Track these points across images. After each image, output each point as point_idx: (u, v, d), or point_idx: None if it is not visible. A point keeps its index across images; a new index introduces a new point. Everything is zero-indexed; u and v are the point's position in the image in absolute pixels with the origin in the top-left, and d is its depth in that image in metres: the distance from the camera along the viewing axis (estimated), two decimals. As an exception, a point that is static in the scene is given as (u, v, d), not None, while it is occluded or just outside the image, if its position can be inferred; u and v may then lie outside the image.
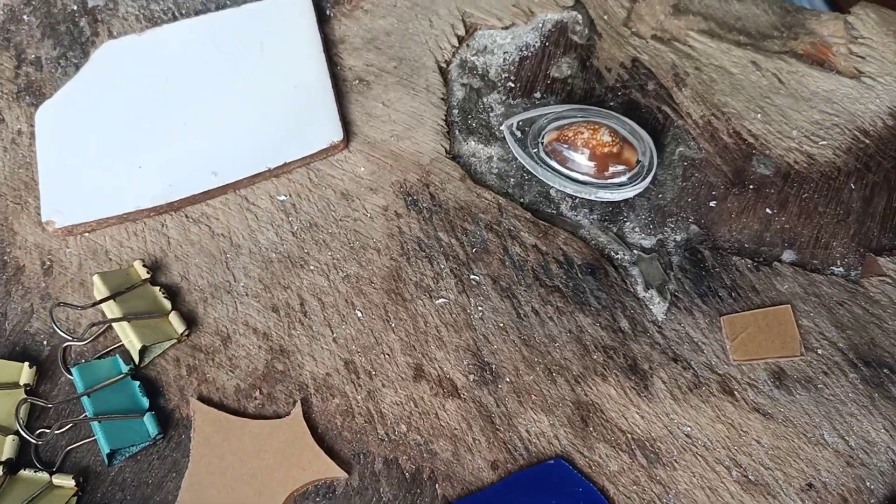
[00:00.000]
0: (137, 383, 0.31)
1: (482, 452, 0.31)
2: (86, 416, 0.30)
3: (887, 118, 0.37)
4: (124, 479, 0.30)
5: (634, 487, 0.30)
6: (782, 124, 0.37)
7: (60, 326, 0.32)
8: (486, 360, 0.32)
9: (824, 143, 0.37)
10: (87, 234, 0.34)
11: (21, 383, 0.31)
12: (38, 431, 0.31)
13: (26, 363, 0.31)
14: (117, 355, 0.32)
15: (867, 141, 0.37)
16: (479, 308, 0.33)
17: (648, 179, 0.35)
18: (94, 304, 0.32)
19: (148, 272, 0.33)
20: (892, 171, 0.36)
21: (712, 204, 0.36)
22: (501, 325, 0.33)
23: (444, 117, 0.37)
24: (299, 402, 0.31)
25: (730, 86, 0.38)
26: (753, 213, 0.35)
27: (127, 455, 0.30)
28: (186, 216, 0.35)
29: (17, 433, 0.30)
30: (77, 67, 0.38)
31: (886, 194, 0.36)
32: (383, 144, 0.36)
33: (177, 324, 0.32)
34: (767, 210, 0.35)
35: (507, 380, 0.32)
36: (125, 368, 0.31)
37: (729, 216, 0.35)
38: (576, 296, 0.33)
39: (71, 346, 0.32)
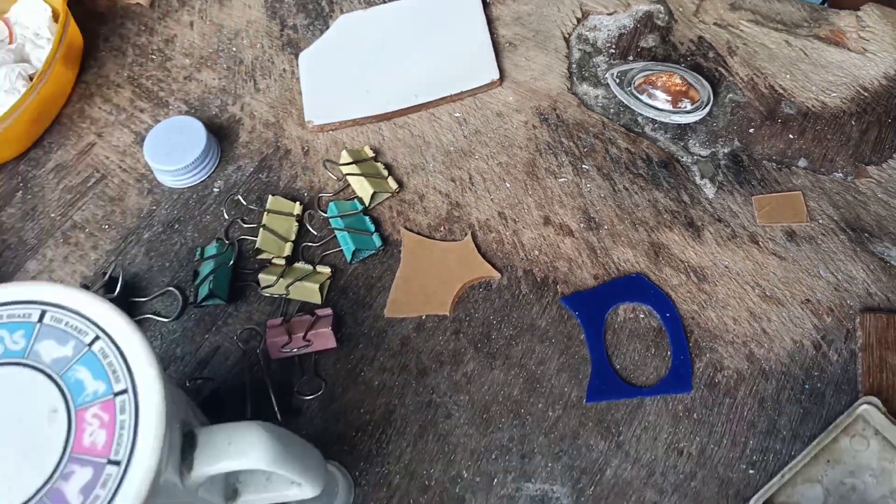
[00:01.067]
0: (367, 217, 0.49)
1: (587, 269, 0.47)
2: (335, 230, 0.48)
3: (882, 79, 0.53)
4: (357, 273, 0.48)
5: (688, 295, 0.46)
6: (805, 82, 0.53)
7: (315, 183, 0.50)
8: (591, 215, 0.49)
9: (834, 94, 0.53)
10: (331, 132, 0.53)
11: (294, 213, 0.49)
12: (303, 244, 0.49)
13: (297, 202, 0.49)
14: (355, 200, 0.49)
15: (866, 94, 0.52)
16: (588, 185, 0.50)
17: (706, 111, 0.51)
18: (343, 164, 0.50)
19: (372, 153, 0.51)
20: (882, 114, 0.51)
21: (751, 130, 0.52)
22: (602, 195, 0.49)
23: (566, 69, 0.54)
24: (469, 233, 0.48)
25: (768, 56, 0.54)
26: (780, 138, 0.51)
27: (360, 258, 0.48)
28: (395, 123, 0.53)
29: (293, 241, 0.48)
30: (321, 32, 0.57)
31: (877, 129, 0.51)
32: (525, 83, 0.54)
33: (392, 184, 0.50)
34: (790, 136, 0.51)
35: (605, 227, 0.48)
36: (360, 207, 0.49)
37: (762, 138, 0.51)
38: (653, 180, 0.50)
39: (323, 196, 0.50)
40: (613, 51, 0.55)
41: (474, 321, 0.46)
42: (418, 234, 0.49)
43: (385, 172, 0.50)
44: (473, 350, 0.45)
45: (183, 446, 0.32)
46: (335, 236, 0.48)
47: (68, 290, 0.32)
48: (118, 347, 0.31)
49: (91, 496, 0.28)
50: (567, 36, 0.56)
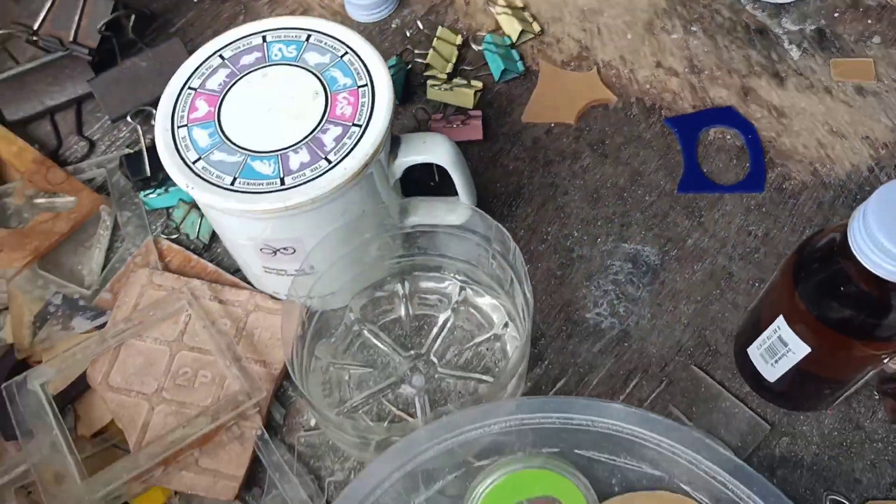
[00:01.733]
0: (514, 50, 0.62)
1: (688, 101, 0.58)
2: (486, 53, 0.61)
3: (956, -17, 0.62)
4: (501, 91, 0.60)
5: (768, 125, 0.57)
6: (888, -19, 0.63)
7: (472, 26, 0.63)
8: (695, 63, 0.60)
9: (912, -8, 0.63)
10: (488, -11, 0.66)
11: (455, 43, 0.62)
12: (460, 67, 0.61)
13: (458, 35, 0.63)
14: (505, 37, 0.62)
15: (940, -7, 0.62)
16: (694, 41, 0.61)
17: (800, -5, 0.62)
18: (499, 6, 0.62)
19: (521, 3, 0.64)
20: (953, 10, 0.61)
21: (835, 14, 0.62)
22: (706, 50, 0.61)
23: (685, -44, 0.66)
24: (595, 68, 0.60)
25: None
26: (860, 22, 0.61)
27: (506, 78, 0.61)
28: (540, -14, 0.65)
29: (454, 63, 0.61)
30: None
31: (946, 21, 0.61)
32: (649, -36, 0.66)
33: (535, 27, 0.62)
34: (868, 21, 0.61)
35: (705, 73, 0.60)
36: (508, 41, 0.62)
37: (845, 21, 0.62)
38: (749, 42, 0.61)
39: (479, 34, 0.63)
40: (726, -53, 0.67)
41: (593, 130, 0.58)
42: (553, 65, 0.61)
43: (530, 19, 0.63)
44: (590, 150, 0.57)
45: (392, 142, 0.45)
46: (486, 62, 0.61)
47: (328, 24, 0.46)
48: (361, 59, 0.45)
49: (340, 143, 0.42)
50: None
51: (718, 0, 0.63)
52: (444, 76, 0.61)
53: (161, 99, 0.44)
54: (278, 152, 0.42)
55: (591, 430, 0.38)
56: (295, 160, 0.41)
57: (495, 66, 0.60)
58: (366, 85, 0.44)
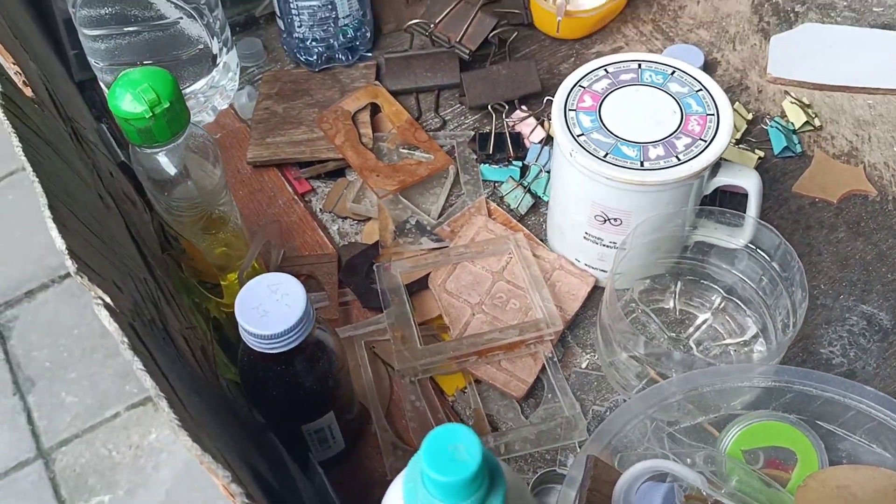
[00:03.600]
0: (795, 135, 0.74)
1: None
2: (769, 129, 0.74)
3: None
4: (776, 163, 0.73)
5: None
6: None
7: (760, 110, 0.76)
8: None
9: None
10: (779, 84, 0.79)
11: (746, 117, 0.76)
12: (746, 137, 0.75)
13: (750, 112, 0.76)
14: (790, 122, 0.75)
15: None
16: None
17: None
18: (791, 99, 0.76)
19: (808, 102, 0.77)
20: None
21: None
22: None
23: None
24: (862, 166, 0.72)
25: None
26: None
27: (782, 155, 0.73)
28: (825, 92, 0.78)
29: (742, 130, 0.75)
30: (786, 30, 0.84)
31: None
32: (923, 98, 0.78)
33: (817, 122, 0.75)
34: None
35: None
36: (792, 127, 0.75)
37: None
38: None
39: (766, 118, 0.76)
40: None
41: (851, 212, 0.70)
42: (825, 153, 0.73)
43: (813, 114, 0.76)
44: (846, 227, 0.69)
45: (715, 163, 0.59)
46: (769, 138, 0.74)
47: (691, 67, 0.61)
48: (712, 96, 0.59)
49: (688, 149, 0.56)
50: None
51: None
52: (734, 141, 0.74)
53: (559, 89, 0.60)
54: (641, 144, 0.56)
55: (841, 403, 0.49)
56: (653, 152, 0.56)
57: (777, 142, 0.73)
58: (713, 114, 0.58)
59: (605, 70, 0.61)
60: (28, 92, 0.54)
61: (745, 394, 0.52)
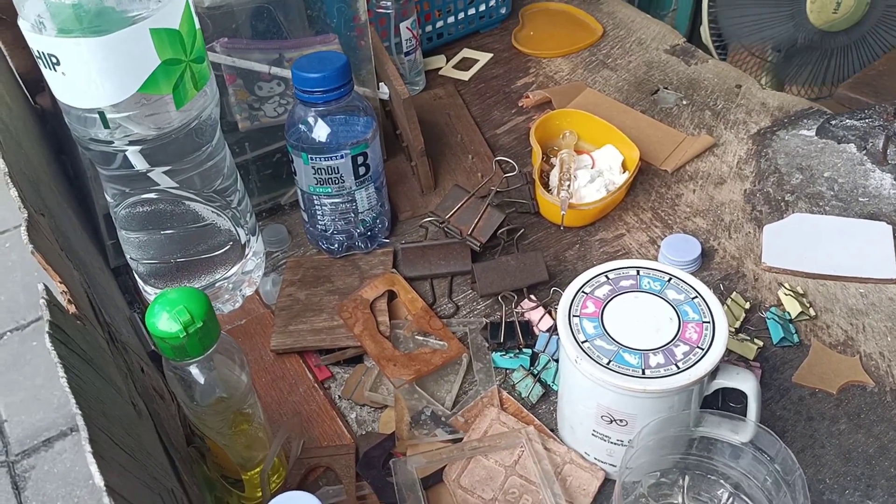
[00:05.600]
0: (791, 325, 0.78)
1: (936, 402, 0.71)
2: (768, 320, 0.77)
3: None
4: (776, 353, 0.76)
5: None
6: None
7: (757, 299, 0.80)
8: (945, 374, 0.73)
9: None
10: (774, 273, 0.83)
11: (744, 307, 0.80)
12: (745, 327, 0.78)
13: (747, 302, 0.80)
14: (785, 312, 0.79)
15: None
16: (946, 356, 0.75)
17: None
18: (787, 290, 0.80)
19: (801, 291, 0.81)
20: None
21: None
22: (955, 365, 0.74)
23: (944, 288, 0.81)
24: (859, 356, 0.75)
25: None
26: None
27: (781, 344, 0.77)
28: (818, 281, 0.82)
29: (738, 324, 0.79)
30: (778, 219, 0.89)
31: None
32: (912, 287, 0.81)
33: (811, 312, 0.79)
34: None
35: None
36: (788, 316, 0.78)
37: None
38: None
39: (762, 306, 0.80)
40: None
41: (851, 403, 0.72)
42: (822, 342, 0.77)
43: (808, 304, 0.79)
44: (846, 419, 0.71)
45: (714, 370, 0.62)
46: (767, 327, 0.78)
47: (686, 275, 0.65)
48: (707, 303, 0.63)
49: (686, 358, 0.59)
50: (948, 270, 0.83)
51: (971, 329, 0.77)
52: (733, 330, 0.78)
53: (563, 295, 0.65)
54: (642, 351, 0.60)
55: None
56: (653, 360, 0.59)
57: (775, 332, 0.77)
58: (709, 322, 0.62)
59: (606, 276, 0.66)
60: (72, 309, 0.59)
61: None
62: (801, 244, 0.85)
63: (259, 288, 0.85)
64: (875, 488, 0.66)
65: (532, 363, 0.76)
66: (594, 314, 0.63)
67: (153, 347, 0.77)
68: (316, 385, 0.76)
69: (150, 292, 0.81)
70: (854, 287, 0.82)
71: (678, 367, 0.59)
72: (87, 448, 0.43)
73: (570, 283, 0.66)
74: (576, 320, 0.63)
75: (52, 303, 0.55)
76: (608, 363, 0.59)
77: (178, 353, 0.56)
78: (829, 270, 0.82)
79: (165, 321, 0.55)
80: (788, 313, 0.79)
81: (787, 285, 0.81)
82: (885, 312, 0.79)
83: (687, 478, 0.66)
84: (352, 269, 0.86)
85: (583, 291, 0.65)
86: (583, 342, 0.61)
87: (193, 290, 0.57)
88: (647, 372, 0.59)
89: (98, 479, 0.42)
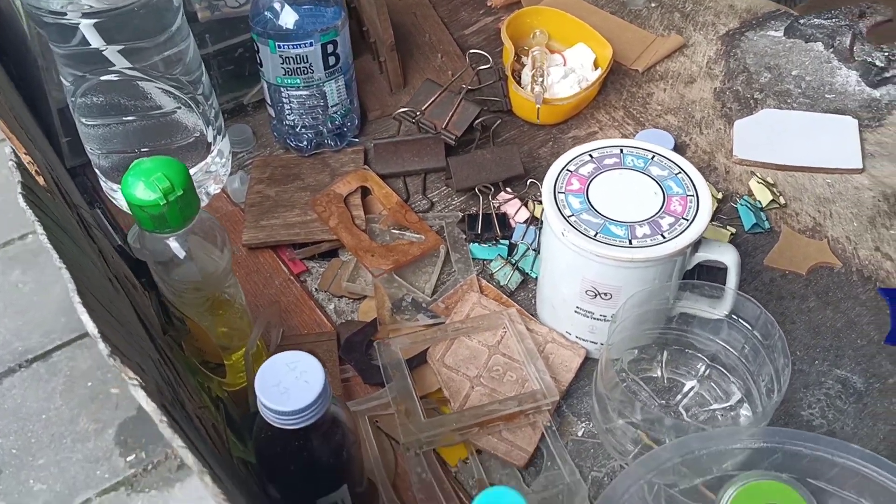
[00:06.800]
0: (763, 212, 0.79)
1: (899, 280, 0.74)
2: (739, 207, 0.79)
3: None
4: (748, 239, 0.78)
5: (965, 314, 0.71)
6: None
7: (728, 189, 0.81)
8: (907, 255, 0.76)
9: None
10: (745, 165, 0.84)
11: (717, 196, 0.81)
12: (719, 215, 0.79)
13: (720, 192, 0.81)
14: (758, 201, 0.80)
15: None
16: (908, 239, 0.77)
17: None
18: (758, 180, 0.81)
19: (772, 182, 0.82)
20: None
21: None
22: (917, 247, 0.77)
23: (905, 177, 0.84)
24: (826, 240, 0.77)
25: None
26: None
27: (753, 231, 0.78)
28: (783, 173, 0.84)
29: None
30: (748, 115, 0.90)
31: None
32: (879, 178, 0.83)
33: (782, 200, 0.80)
34: None
35: (916, 263, 0.75)
36: (759, 205, 0.80)
37: None
38: None
39: (735, 196, 0.81)
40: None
41: (819, 283, 0.74)
42: (791, 228, 0.78)
43: (777, 193, 0.81)
44: (815, 297, 0.73)
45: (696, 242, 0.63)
46: (739, 216, 0.79)
47: (666, 151, 0.65)
48: (690, 179, 0.63)
49: (672, 228, 0.60)
50: (909, 161, 0.85)
51: (931, 214, 0.80)
52: (705, 218, 0.79)
53: (547, 173, 0.64)
54: (628, 223, 0.60)
55: (828, 460, 0.51)
56: (639, 231, 0.60)
57: (747, 219, 0.78)
58: (692, 195, 0.62)
59: (590, 155, 0.65)
60: (41, 181, 0.56)
61: (736, 455, 0.54)
62: (771, 138, 0.86)
63: (226, 186, 0.83)
64: (843, 358, 0.68)
65: (510, 254, 0.76)
66: (579, 190, 0.63)
67: (120, 243, 0.74)
68: (292, 278, 0.74)
69: (114, 188, 0.78)
70: (821, 177, 0.83)
71: (664, 238, 0.59)
72: (77, 299, 0.41)
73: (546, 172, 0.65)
74: (561, 196, 0.62)
75: (21, 165, 0.52)
76: (595, 235, 0.60)
77: (157, 223, 0.53)
78: (797, 162, 0.84)
79: (143, 189, 0.52)
80: (759, 202, 0.80)
81: (758, 174, 0.82)
82: (851, 200, 0.81)
83: (665, 353, 0.68)
84: (322, 167, 0.84)
85: (567, 170, 0.65)
86: (569, 216, 0.61)
87: (170, 158, 0.54)
88: (634, 242, 0.59)
89: (91, 328, 0.40)
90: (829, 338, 0.70)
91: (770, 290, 0.74)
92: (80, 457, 1.68)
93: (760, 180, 0.81)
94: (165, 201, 0.52)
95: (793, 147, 0.85)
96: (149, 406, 0.37)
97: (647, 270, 0.60)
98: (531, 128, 0.89)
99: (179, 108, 0.75)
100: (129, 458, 1.68)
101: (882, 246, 0.77)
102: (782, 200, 0.81)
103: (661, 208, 0.61)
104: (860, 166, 0.84)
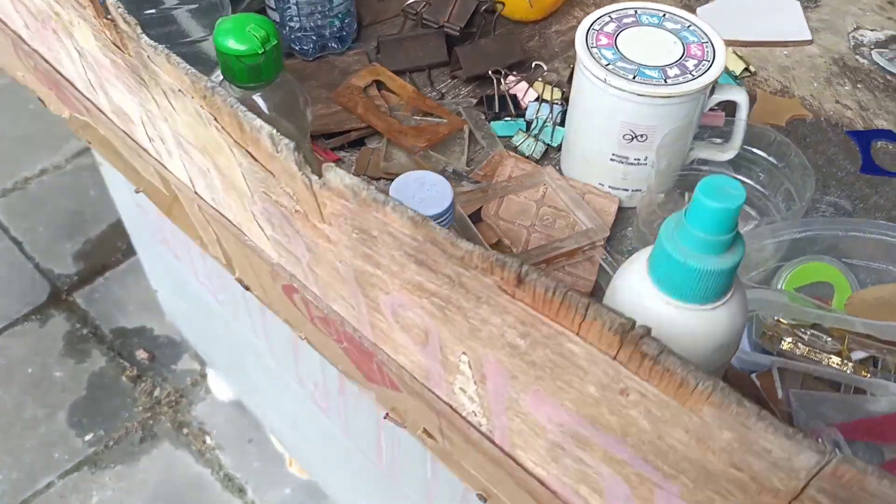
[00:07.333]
0: (737, 80, 0.89)
1: (860, 126, 0.85)
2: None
3: None
4: (730, 103, 0.87)
5: None
6: None
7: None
8: (862, 105, 0.87)
9: None
10: (711, 45, 0.94)
11: (695, 71, 0.90)
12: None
13: (697, 67, 0.90)
14: (732, 71, 0.89)
15: None
16: (865, 96, 0.89)
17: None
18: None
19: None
20: None
21: (955, 92, 0.90)
22: (869, 98, 0.88)
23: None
24: (798, 99, 0.87)
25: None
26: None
27: (733, 95, 0.87)
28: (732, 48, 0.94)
29: (695, 81, 0.88)
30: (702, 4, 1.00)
31: None
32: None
33: (752, 69, 0.90)
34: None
35: (870, 111, 0.87)
36: (734, 73, 0.89)
37: (961, 96, 0.90)
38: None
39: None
40: None
41: (797, 132, 0.84)
42: (765, 92, 0.88)
43: (747, 62, 0.91)
44: (795, 142, 0.83)
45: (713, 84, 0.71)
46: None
47: (677, 9, 0.73)
48: (702, 30, 0.71)
49: (697, 68, 0.67)
50: (847, 33, 0.97)
51: (875, 72, 0.92)
52: (690, 88, 0.87)
53: (576, 33, 0.70)
54: (659, 67, 0.67)
55: (861, 238, 0.61)
56: (671, 72, 0.67)
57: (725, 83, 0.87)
58: (707, 42, 0.70)
59: (610, 17, 0.72)
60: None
61: (780, 250, 0.63)
62: (732, 20, 0.96)
63: (239, 93, 0.84)
64: (830, 187, 0.79)
65: (528, 129, 0.81)
66: (609, 44, 0.69)
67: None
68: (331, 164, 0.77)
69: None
70: (779, 50, 0.94)
71: (693, 75, 0.67)
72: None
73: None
74: (594, 50, 0.69)
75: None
76: (633, 77, 0.66)
77: (252, 74, 0.56)
78: (757, 37, 0.94)
79: (238, 40, 0.54)
80: (734, 71, 0.90)
81: (729, 49, 0.92)
82: (808, 66, 0.92)
83: (687, 194, 0.76)
84: (330, 69, 0.87)
85: (593, 29, 0.71)
86: (606, 65, 0.67)
87: (252, 14, 0.56)
88: (668, 81, 0.66)
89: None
90: (815, 172, 0.80)
91: (758, 141, 0.83)
92: (33, 443, 1.62)
93: (732, 52, 0.91)
94: (263, 50, 0.55)
95: (751, 26, 0.96)
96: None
97: (680, 107, 0.67)
98: (517, 25, 0.95)
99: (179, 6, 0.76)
100: (86, 438, 1.63)
101: (841, 99, 0.88)
102: (752, 69, 0.91)
103: (684, 54, 0.69)
104: (809, 38, 0.95)
